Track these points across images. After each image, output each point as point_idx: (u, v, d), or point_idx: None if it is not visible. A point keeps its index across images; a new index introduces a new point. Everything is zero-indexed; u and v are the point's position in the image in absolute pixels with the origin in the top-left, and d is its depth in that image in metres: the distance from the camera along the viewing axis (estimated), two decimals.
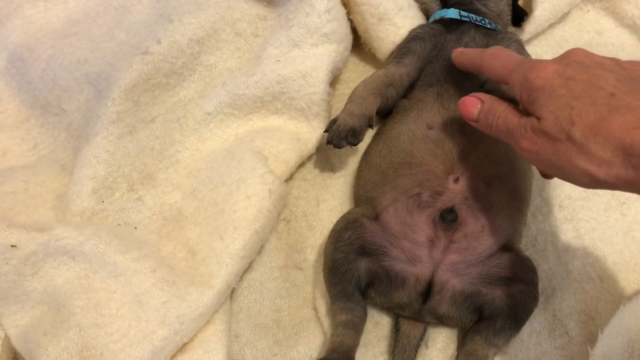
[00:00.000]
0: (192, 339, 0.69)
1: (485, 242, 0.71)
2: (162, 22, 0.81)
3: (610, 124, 0.49)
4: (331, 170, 0.87)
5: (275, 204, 0.76)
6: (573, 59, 0.55)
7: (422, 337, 0.75)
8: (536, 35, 0.98)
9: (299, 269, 0.81)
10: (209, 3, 0.82)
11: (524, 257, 0.73)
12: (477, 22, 0.81)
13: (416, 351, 0.75)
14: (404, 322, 0.76)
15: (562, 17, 0.98)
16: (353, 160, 0.87)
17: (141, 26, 0.82)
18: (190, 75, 0.82)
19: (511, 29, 0.94)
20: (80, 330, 0.65)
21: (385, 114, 0.83)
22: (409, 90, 0.81)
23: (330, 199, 0.85)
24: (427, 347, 0.76)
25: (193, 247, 0.74)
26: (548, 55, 0.96)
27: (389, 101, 0.81)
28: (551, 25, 0.98)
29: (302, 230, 0.83)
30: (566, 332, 0.76)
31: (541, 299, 0.76)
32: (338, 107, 0.84)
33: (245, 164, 0.77)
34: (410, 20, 0.86)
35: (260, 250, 0.79)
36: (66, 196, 0.76)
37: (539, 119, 0.54)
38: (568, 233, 0.83)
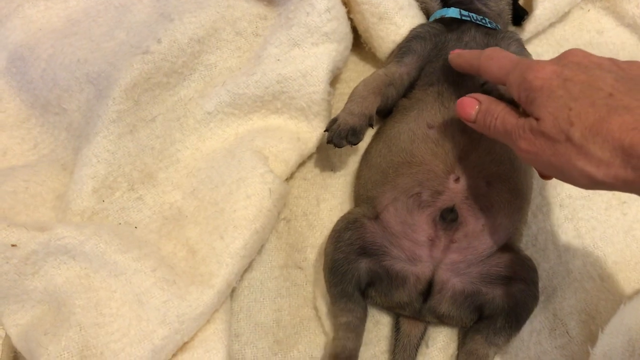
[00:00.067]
0: (192, 338, 0.69)
1: (486, 242, 0.71)
2: (162, 22, 0.81)
3: (609, 125, 0.49)
4: (331, 170, 0.87)
5: (275, 203, 0.76)
6: (571, 59, 0.55)
7: (422, 336, 0.75)
8: (536, 35, 0.98)
9: (300, 268, 0.81)
10: (210, 2, 0.82)
11: (525, 256, 0.73)
12: (477, 22, 0.81)
13: (417, 350, 0.75)
14: (404, 321, 0.76)
15: (563, 17, 0.98)
16: (353, 159, 0.87)
17: (141, 25, 0.82)
18: (191, 74, 0.82)
19: (512, 28, 0.94)
20: (80, 330, 0.65)
21: (385, 114, 0.83)
22: (409, 89, 0.81)
23: (330, 199, 0.85)
24: (427, 346, 0.76)
25: (193, 246, 0.74)
26: (548, 55, 0.96)
27: (389, 100, 0.81)
28: (552, 25, 0.97)
29: (302, 230, 0.83)
30: (567, 332, 0.76)
31: (542, 298, 0.76)
32: (338, 106, 0.84)
33: (246, 163, 0.77)
34: (411, 20, 0.86)
35: (260, 249, 0.79)
36: (66, 195, 0.76)
37: (537, 119, 0.54)
38: (569, 232, 0.83)
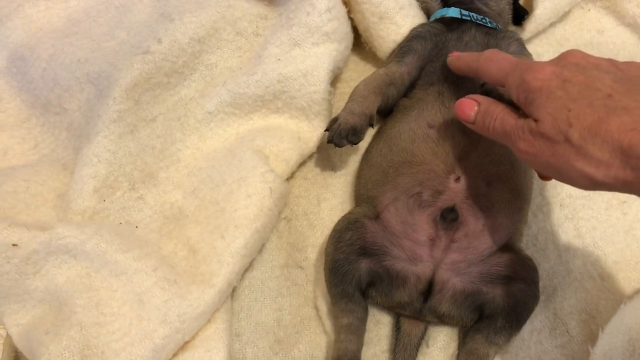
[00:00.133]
0: (193, 338, 0.69)
1: (486, 241, 0.71)
2: (163, 21, 0.81)
3: (608, 126, 0.49)
4: (332, 169, 0.87)
5: (276, 203, 0.76)
6: (569, 60, 0.55)
7: (423, 336, 0.75)
8: (537, 34, 0.98)
9: (300, 267, 0.81)
10: (210, 2, 0.82)
11: (525, 256, 0.73)
12: (478, 21, 0.81)
13: (417, 350, 0.75)
14: (404, 320, 0.76)
15: (563, 16, 0.98)
16: (354, 159, 0.87)
17: (142, 25, 0.82)
18: (191, 74, 0.83)
19: (512, 27, 0.95)
20: (81, 329, 0.65)
21: (386, 113, 0.83)
22: (409, 89, 0.81)
23: (331, 198, 0.85)
24: (428, 345, 0.76)
25: (194, 245, 0.74)
26: (549, 54, 0.96)
27: (389, 100, 0.81)
28: (552, 24, 0.97)
29: (303, 229, 0.83)
30: (567, 331, 0.76)
31: (542, 298, 0.76)
32: (339, 106, 0.84)
33: (246, 162, 0.77)
34: (411, 19, 0.87)
35: (261, 249, 0.79)
36: (67, 195, 0.76)
37: (536, 120, 0.54)
38: (569, 232, 0.83)
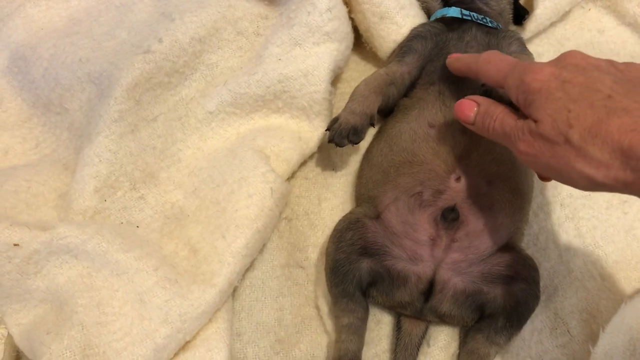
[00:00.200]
0: (194, 337, 0.69)
1: (487, 241, 0.71)
2: (163, 21, 0.81)
3: (608, 127, 0.49)
4: (333, 169, 0.87)
5: (277, 203, 0.76)
6: (569, 61, 0.55)
7: (423, 336, 0.76)
8: (537, 34, 0.98)
9: (301, 267, 0.81)
10: (211, 1, 0.82)
11: (526, 255, 0.73)
12: (478, 21, 0.81)
13: (418, 349, 0.75)
14: (405, 320, 0.76)
15: (564, 16, 0.98)
16: (354, 159, 0.87)
17: (143, 25, 0.82)
18: (192, 74, 0.83)
19: (513, 27, 0.95)
20: (82, 329, 0.65)
21: (386, 113, 0.83)
22: (410, 88, 0.81)
23: (331, 198, 0.85)
24: (428, 345, 0.76)
25: (195, 245, 0.74)
26: (549, 54, 0.96)
27: (390, 100, 0.81)
28: (552, 24, 0.98)
29: (303, 229, 0.83)
30: (568, 331, 0.76)
31: (543, 298, 0.76)
32: (339, 105, 0.84)
33: (247, 162, 0.77)
34: (412, 19, 0.87)
35: (262, 248, 0.79)
36: (68, 195, 0.76)
37: (536, 122, 0.54)
38: (569, 231, 0.83)
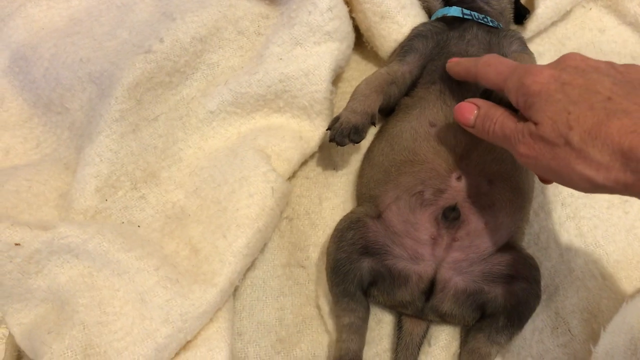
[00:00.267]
0: (195, 337, 0.70)
1: (488, 240, 0.71)
2: (164, 21, 0.81)
3: (608, 128, 0.49)
4: (334, 169, 0.87)
5: (278, 202, 0.76)
6: (568, 63, 0.55)
7: (424, 335, 0.75)
8: (538, 33, 0.98)
9: (302, 267, 0.81)
10: (212, 1, 0.82)
11: (527, 254, 0.73)
12: (479, 20, 0.81)
13: (419, 349, 0.75)
14: (406, 320, 0.76)
15: (565, 15, 0.98)
16: (355, 158, 0.87)
17: (144, 25, 0.82)
18: (193, 73, 0.83)
19: (513, 26, 0.95)
20: (84, 328, 0.65)
21: (387, 112, 0.83)
22: (411, 88, 0.81)
23: (332, 197, 0.85)
24: (429, 344, 0.76)
25: (196, 245, 0.74)
26: (550, 53, 0.97)
27: (391, 99, 0.81)
28: (553, 23, 0.98)
29: (304, 229, 0.83)
30: (569, 330, 0.76)
31: (544, 297, 0.76)
32: (340, 105, 0.84)
33: (248, 162, 0.77)
34: (413, 19, 0.87)
35: (263, 248, 0.79)
36: (69, 194, 0.76)
37: (536, 124, 0.54)
38: (570, 231, 0.83)
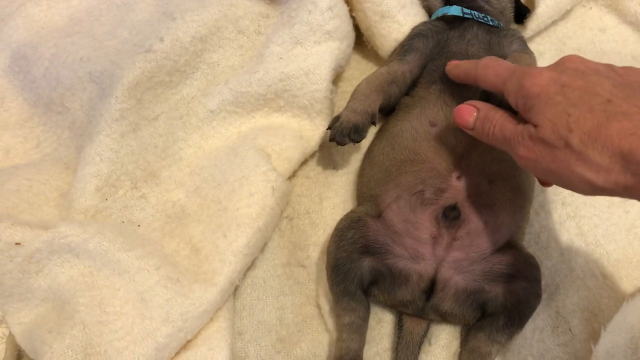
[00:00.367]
0: (195, 336, 0.70)
1: (488, 239, 0.71)
2: (164, 20, 0.81)
3: (607, 131, 0.49)
4: (334, 168, 0.87)
5: (278, 202, 0.76)
6: (568, 65, 0.55)
7: (425, 334, 0.75)
8: (539, 33, 0.97)
9: (302, 266, 0.81)
10: (212, 0, 0.82)
11: (527, 254, 0.73)
12: (479, 19, 0.81)
13: (419, 348, 0.75)
14: (407, 319, 0.76)
15: (565, 14, 0.98)
16: (356, 157, 0.87)
17: (144, 24, 0.82)
18: (193, 73, 0.83)
19: (514, 26, 0.94)
20: (84, 328, 0.65)
21: (387, 112, 0.83)
22: (411, 87, 0.81)
23: (333, 197, 0.85)
24: (430, 343, 0.76)
25: (196, 244, 0.74)
26: (550, 53, 0.96)
27: (391, 98, 0.81)
28: (554, 22, 0.97)
29: (305, 228, 0.83)
30: (569, 329, 0.76)
31: (544, 296, 0.76)
32: (341, 104, 0.84)
33: (248, 161, 0.77)
34: (413, 18, 0.87)
35: (263, 247, 0.79)
36: (70, 194, 0.76)
37: (535, 126, 0.54)
38: (571, 230, 0.83)
